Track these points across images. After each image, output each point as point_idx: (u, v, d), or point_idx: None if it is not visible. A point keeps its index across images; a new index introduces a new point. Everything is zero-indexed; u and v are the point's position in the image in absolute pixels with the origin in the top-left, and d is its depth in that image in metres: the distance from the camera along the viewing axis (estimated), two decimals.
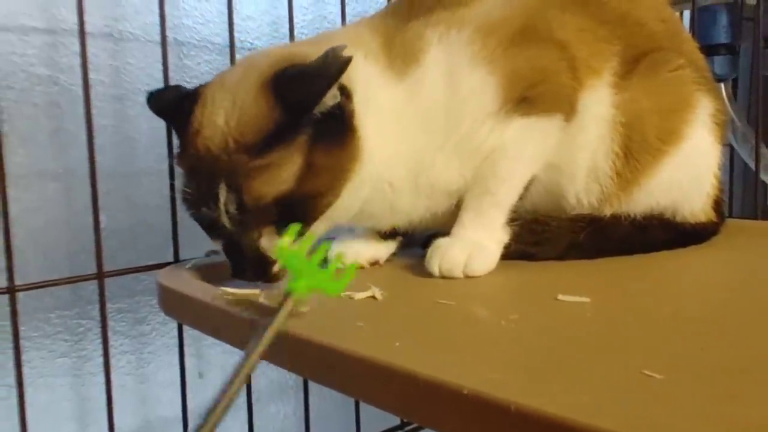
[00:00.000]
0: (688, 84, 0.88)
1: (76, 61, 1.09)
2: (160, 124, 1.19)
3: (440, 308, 0.66)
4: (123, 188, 1.16)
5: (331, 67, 0.68)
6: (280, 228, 0.71)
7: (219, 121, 0.71)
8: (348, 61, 0.68)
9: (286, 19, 1.32)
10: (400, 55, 0.79)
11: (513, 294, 0.74)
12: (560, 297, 0.67)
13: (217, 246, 0.75)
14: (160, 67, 1.18)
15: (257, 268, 0.72)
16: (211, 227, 0.72)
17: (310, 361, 0.56)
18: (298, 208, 0.71)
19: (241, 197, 0.69)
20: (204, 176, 0.71)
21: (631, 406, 0.41)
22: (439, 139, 0.79)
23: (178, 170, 0.76)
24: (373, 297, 0.71)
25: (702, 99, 0.88)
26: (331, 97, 0.71)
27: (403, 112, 0.78)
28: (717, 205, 0.95)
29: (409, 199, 0.82)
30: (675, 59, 0.88)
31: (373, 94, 0.76)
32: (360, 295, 0.71)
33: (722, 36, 1.28)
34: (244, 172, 0.69)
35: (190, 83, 1.23)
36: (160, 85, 1.18)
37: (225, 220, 0.70)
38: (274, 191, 0.69)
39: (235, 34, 1.23)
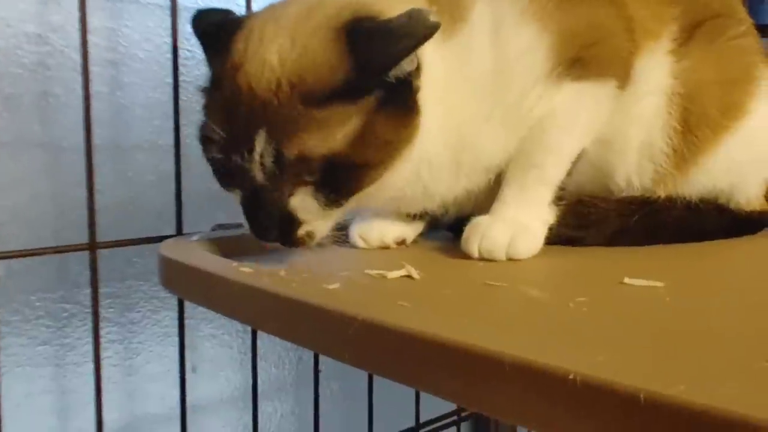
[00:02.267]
0: (750, 54, 0.81)
1: (69, 19, 1.00)
2: (158, 94, 1.10)
3: (491, 290, 0.58)
4: (115, 162, 1.06)
5: (418, 29, 0.61)
6: (317, 190, 0.64)
7: (271, 59, 0.62)
8: (437, 26, 0.61)
9: None
10: (446, 10, 0.71)
11: (569, 277, 0.66)
12: (627, 280, 0.58)
13: (234, 197, 0.66)
14: (159, 31, 1.10)
15: (281, 228, 0.64)
16: (233, 175, 0.64)
17: (348, 342, 0.47)
18: (342, 175, 0.64)
19: (282, 149, 0.61)
20: (240, 118, 0.62)
21: None
22: (486, 108, 0.71)
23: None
24: (409, 276, 0.62)
25: (765, 71, 0.81)
26: (409, 62, 0.64)
27: (451, 78, 0.69)
28: None
29: (446, 180, 0.74)
30: (734, 27, 0.81)
31: (426, 60, 0.67)
32: (394, 274, 0.62)
33: None
34: (294, 121, 0.61)
35: (190, 51, 1.14)
36: (158, 51, 1.10)
37: (256, 171, 0.62)
38: (323, 149, 0.62)
39: (243, 2, 1.15)
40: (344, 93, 0.62)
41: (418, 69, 0.65)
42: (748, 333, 0.46)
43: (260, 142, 0.61)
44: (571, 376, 0.33)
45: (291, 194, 0.64)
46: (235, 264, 0.61)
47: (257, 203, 0.64)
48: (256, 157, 0.61)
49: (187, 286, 0.65)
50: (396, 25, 0.61)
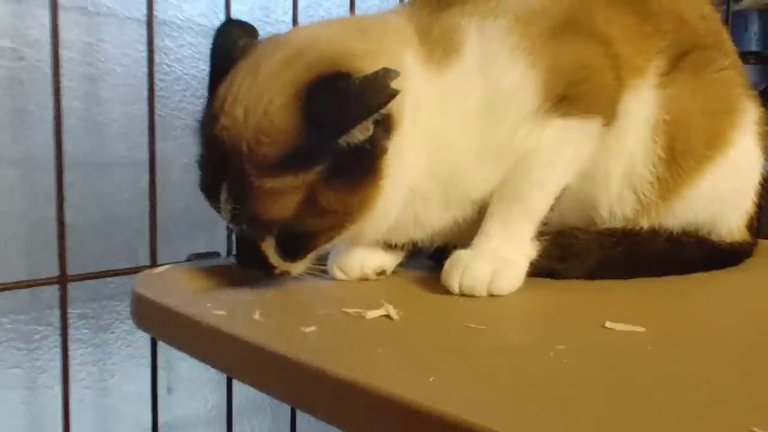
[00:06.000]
0: (733, 86, 0.80)
1: (44, 34, 0.98)
2: (135, 110, 1.08)
3: (471, 334, 0.56)
4: (90, 180, 1.04)
5: (371, 98, 0.60)
6: (279, 244, 0.66)
7: (238, 114, 0.64)
8: (393, 95, 0.60)
9: (277, 3, 1.22)
10: (440, 44, 0.70)
11: (550, 318, 0.64)
12: (608, 324, 0.57)
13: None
14: (137, 46, 1.08)
15: (259, 265, 0.68)
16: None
17: (322, 398, 0.46)
18: (295, 238, 0.66)
19: (238, 210, 0.63)
20: (212, 165, 0.65)
21: None
22: (477, 143, 0.70)
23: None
24: (388, 316, 0.61)
25: (748, 103, 0.81)
26: (363, 130, 0.63)
27: (442, 112, 0.69)
28: (751, 224, 0.87)
29: (437, 212, 0.73)
30: (720, 59, 0.80)
31: (418, 96, 0.67)
32: (372, 314, 0.61)
33: (753, 43, 1.21)
34: (249, 187, 0.62)
35: (170, 67, 1.13)
36: (136, 66, 1.07)
37: (225, 215, 0.65)
38: (275, 215, 0.63)
39: (223, 17, 1.13)
40: (294, 161, 0.62)
41: (387, 130, 0.65)
42: (731, 392, 0.45)
43: (224, 195, 0.63)
44: None
45: (261, 239, 0.66)
46: (209, 305, 0.59)
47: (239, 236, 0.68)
48: (223, 203, 0.64)
49: (160, 327, 0.64)
50: (352, 91, 0.60)
